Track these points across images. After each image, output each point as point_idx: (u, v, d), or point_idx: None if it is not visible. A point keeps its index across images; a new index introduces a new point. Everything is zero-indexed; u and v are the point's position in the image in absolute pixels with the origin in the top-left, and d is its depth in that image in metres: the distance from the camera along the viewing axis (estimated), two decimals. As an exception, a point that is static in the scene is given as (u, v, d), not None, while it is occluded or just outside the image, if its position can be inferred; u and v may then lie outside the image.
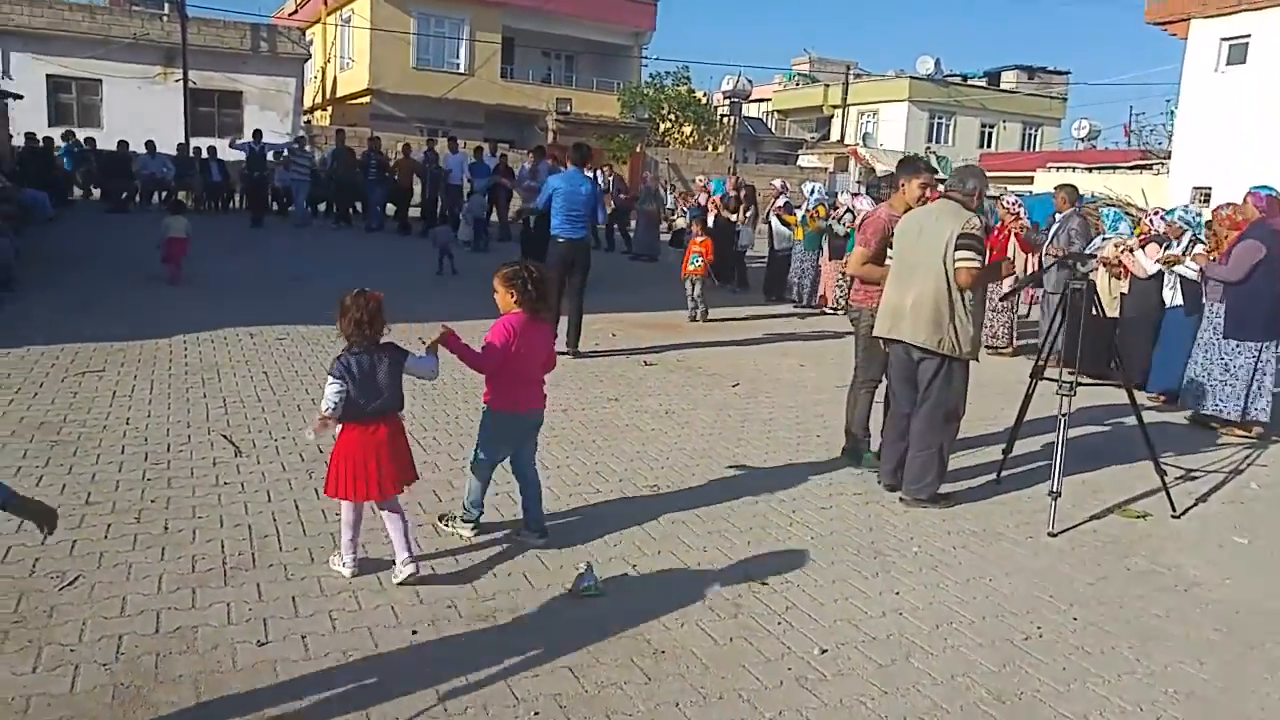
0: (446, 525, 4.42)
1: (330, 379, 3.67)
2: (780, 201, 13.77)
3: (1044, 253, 9.81)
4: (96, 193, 20.36)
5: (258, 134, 19.58)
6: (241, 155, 19.34)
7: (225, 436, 5.60)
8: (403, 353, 3.83)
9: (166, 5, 26.80)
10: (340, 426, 3.73)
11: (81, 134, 21.24)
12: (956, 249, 4.92)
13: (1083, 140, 41.40)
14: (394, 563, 3.87)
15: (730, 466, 5.76)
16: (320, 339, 8.38)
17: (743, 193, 15.20)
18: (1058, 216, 9.91)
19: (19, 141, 20.27)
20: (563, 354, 8.50)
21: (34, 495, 4.52)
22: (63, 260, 12.14)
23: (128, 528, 4.21)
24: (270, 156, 19.59)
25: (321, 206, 20.57)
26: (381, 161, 19.67)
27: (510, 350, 4.04)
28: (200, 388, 6.73)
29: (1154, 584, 4.46)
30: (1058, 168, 23.38)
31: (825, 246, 12.76)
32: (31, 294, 9.72)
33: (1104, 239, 9.62)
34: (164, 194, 19.15)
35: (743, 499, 5.17)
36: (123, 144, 19.91)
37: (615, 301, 11.49)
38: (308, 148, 19.75)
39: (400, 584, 3.81)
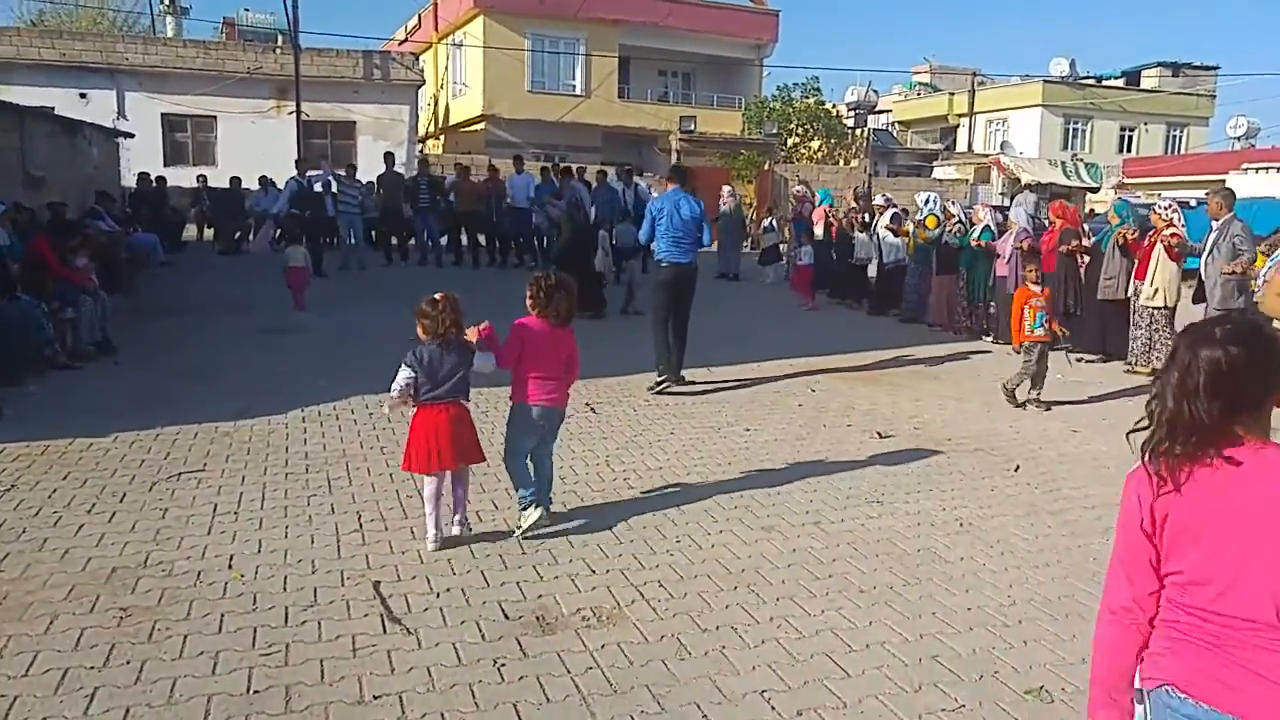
0: (523, 528, 4.49)
1: (403, 366, 4.23)
2: (887, 215, 12.67)
3: (1204, 265, 8.59)
4: (209, 233, 19.37)
5: (301, 167, 16.68)
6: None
7: (376, 591, 3.89)
8: (471, 351, 4.31)
9: (280, 37, 26.13)
10: (415, 409, 4.28)
11: (195, 172, 20.42)
12: None
13: (1239, 139, 38.21)
14: None
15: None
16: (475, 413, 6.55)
17: (863, 203, 14.28)
18: (1214, 223, 8.60)
19: (129, 182, 19.43)
20: (673, 390, 7.79)
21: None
22: (174, 311, 10.89)
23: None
24: (318, 188, 16.54)
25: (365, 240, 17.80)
26: (434, 184, 17.30)
27: (519, 345, 4.44)
28: (326, 494, 5.10)
29: None
30: (1258, 168, 20.38)
31: (934, 260, 11.83)
32: (137, 358, 8.40)
33: None
34: (277, 232, 17.90)
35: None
36: (235, 180, 18.90)
37: (747, 332, 10.37)
38: (357, 176, 17.44)
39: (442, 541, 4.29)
